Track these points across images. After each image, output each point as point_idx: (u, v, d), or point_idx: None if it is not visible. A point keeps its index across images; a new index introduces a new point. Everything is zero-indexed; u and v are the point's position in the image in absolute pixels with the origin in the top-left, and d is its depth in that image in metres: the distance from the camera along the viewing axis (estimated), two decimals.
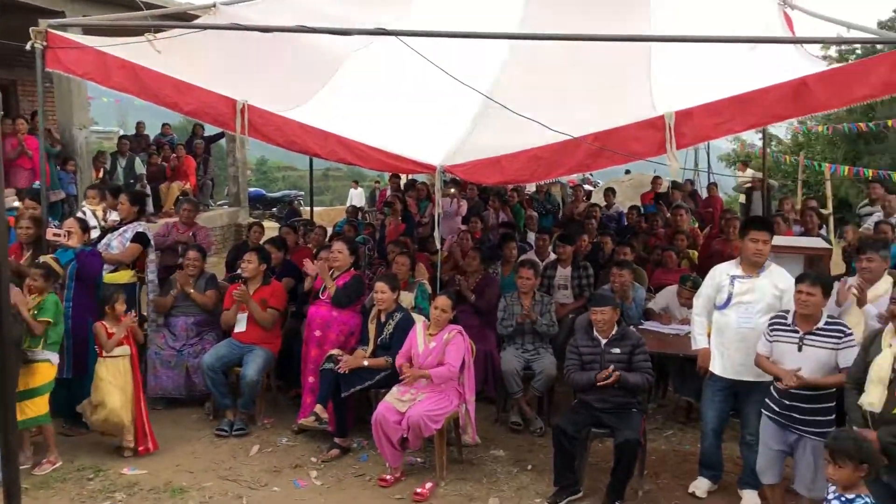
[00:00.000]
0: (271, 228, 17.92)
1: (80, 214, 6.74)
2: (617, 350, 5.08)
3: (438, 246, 5.93)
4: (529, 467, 5.53)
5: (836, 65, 5.36)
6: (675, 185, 12.14)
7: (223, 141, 15.77)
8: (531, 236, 10.08)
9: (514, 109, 5.50)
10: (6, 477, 3.07)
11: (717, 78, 5.72)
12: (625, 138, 5.24)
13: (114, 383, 5.39)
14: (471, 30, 5.51)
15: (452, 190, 11.36)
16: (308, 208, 13.15)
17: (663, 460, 5.70)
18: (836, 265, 8.74)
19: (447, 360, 5.29)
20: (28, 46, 5.87)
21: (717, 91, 5.14)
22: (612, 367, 4.94)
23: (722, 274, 5.05)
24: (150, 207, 12.80)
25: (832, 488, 3.39)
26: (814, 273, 4.53)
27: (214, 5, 7.82)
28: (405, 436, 5.17)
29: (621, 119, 5.36)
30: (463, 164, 5.63)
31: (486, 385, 6.51)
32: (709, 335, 5.11)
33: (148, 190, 12.95)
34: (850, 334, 4.32)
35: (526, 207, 11.46)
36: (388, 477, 5.24)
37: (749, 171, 14.86)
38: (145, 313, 6.88)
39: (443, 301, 5.43)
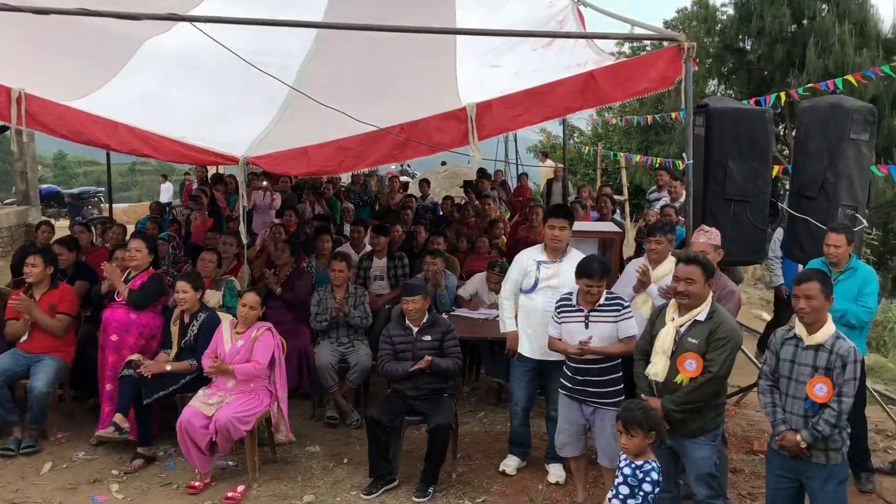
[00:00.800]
0: (65, 227, 16.74)
1: None
2: (428, 337, 5.15)
3: (245, 241, 5.71)
4: (345, 460, 5.50)
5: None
6: (482, 174, 12.52)
7: (9, 133, 14.38)
8: (348, 228, 10.03)
9: (320, 100, 5.42)
10: None
11: (517, 72, 5.96)
12: (429, 129, 5.30)
13: None
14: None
15: (265, 183, 11.06)
16: (107, 205, 12.29)
17: (476, 442, 5.87)
18: (630, 246, 9.44)
19: (255, 357, 5.13)
20: None
21: (517, 84, 5.34)
22: (425, 355, 5.01)
23: (528, 259, 5.26)
24: None
25: (623, 456, 3.63)
26: (598, 265, 4.76)
27: None
28: (214, 440, 4.96)
29: (428, 111, 5.43)
30: (267, 155, 5.44)
31: (301, 381, 6.41)
32: (516, 317, 5.32)
33: None
34: (628, 307, 4.67)
35: (342, 199, 11.38)
36: (198, 483, 5.01)
37: (549, 161, 15.64)
38: None
39: (250, 298, 5.26)
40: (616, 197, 13.81)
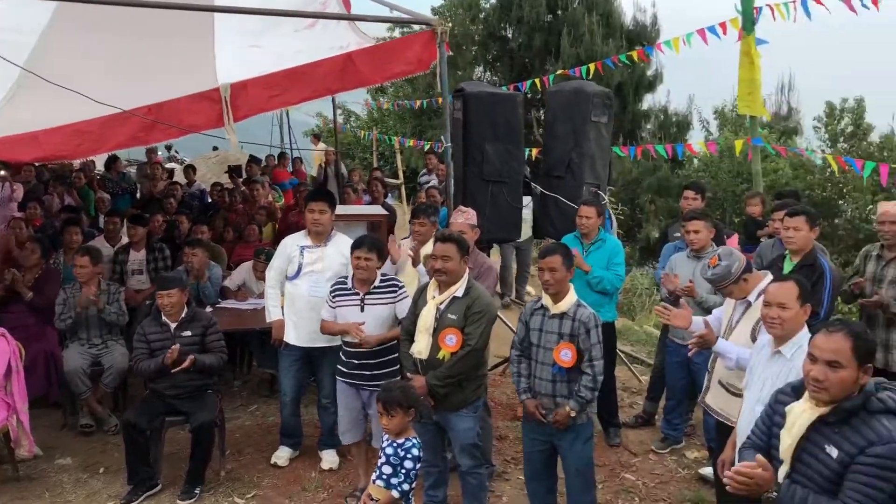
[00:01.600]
0: None
1: None
2: (188, 332, 4.88)
3: None
4: (101, 470, 5.10)
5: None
6: (253, 160, 12.15)
7: None
8: (102, 220, 9.27)
9: (56, 79, 4.91)
10: None
11: (278, 53, 5.78)
12: (180, 111, 5.01)
13: None
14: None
15: (3, 172, 9.91)
16: None
17: (247, 436, 5.69)
18: (405, 228, 9.57)
19: None
20: None
21: (278, 65, 5.19)
22: (187, 352, 4.73)
23: (292, 245, 5.14)
24: None
25: (385, 437, 3.65)
26: (369, 238, 4.81)
27: None
28: None
29: (180, 91, 5.12)
30: None
31: (50, 389, 5.82)
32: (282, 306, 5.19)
33: None
34: (403, 288, 4.69)
35: (96, 189, 10.49)
36: None
37: (321, 145, 15.48)
38: None
39: None
40: (392, 181, 14.02)
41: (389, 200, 10.09)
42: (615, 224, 6.82)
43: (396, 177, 15.24)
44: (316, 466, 5.17)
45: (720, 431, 3.95)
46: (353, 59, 5.12)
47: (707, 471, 4.96)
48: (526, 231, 7.40)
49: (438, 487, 4.41)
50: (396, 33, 20.06)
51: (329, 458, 5.19)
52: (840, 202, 15.42)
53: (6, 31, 5.54)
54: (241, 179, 11.26)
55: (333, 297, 4.65)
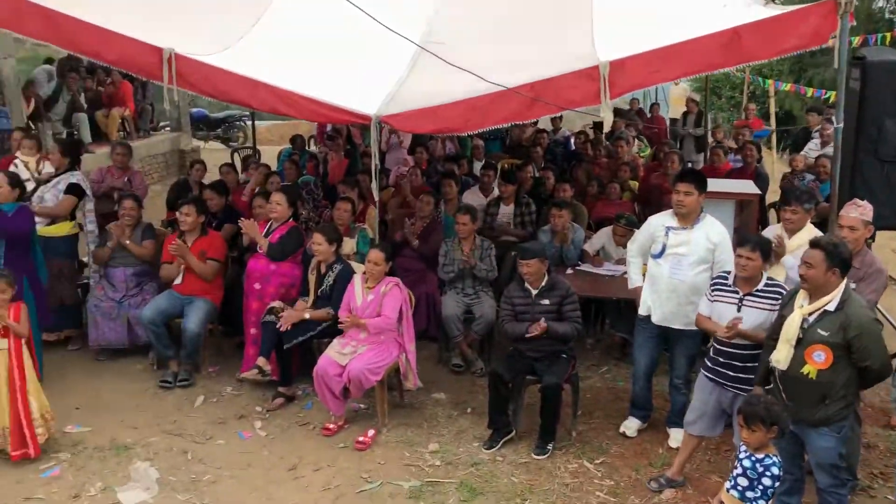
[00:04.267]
0: (215, 150, 17.71)
1: (11, 168, 6.52)
2: (546, 301, 5.19)
3: (377, 197, 5.86)
4: (469, 410, 5.72)
5: (774, 9, 5.32)
6: (617, 112, 12.13)
7: None
8: (478, 166, 10.06)
9: (448, 54, 5.42)
10: None
11: (658, 18, 5.69)
12: (560, 88, 5.21)
13: None
14: None
15: None
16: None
17: (597, 398, 5.94)
18: (774, 192, 8.92)
19: (384, 311, 5.37)
20: None
21: (656, 37, 5.13)
22: (542, 319, 5.07)
23: (657, 224, 5.15)
24: (88, 137, 12.42)
25: (743, 448, 3.59)
26: (754, 237, 4.59)
27: None
28: (347, 386, 5.29)
29: (558, 63, 5.32)
30: (398, 114, 5.52)
31: (428, 325, 6.64)
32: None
33: (85, 118, 12.49)
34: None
35: (472, 136, 11.36)
36: (332, 426, 5.39)
37: (683, 85, 14.44)
38: (86, 261, 6.85)
39: (375, 255, 5.46)
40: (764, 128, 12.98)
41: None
42: None
43: (768, 121, 14.13)
44: (663, 442, 5.25)
45: None
46: (739, 35, 4.86)
47: None
48: None
49: (793, 495, 4.23)
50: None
51: (676, 436, 5.21)
52: None
53: (403, 9, 6.14)
54: (604, 134, 11.35)
55: (712, 290, 4.56)
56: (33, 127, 11.39)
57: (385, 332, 5.41)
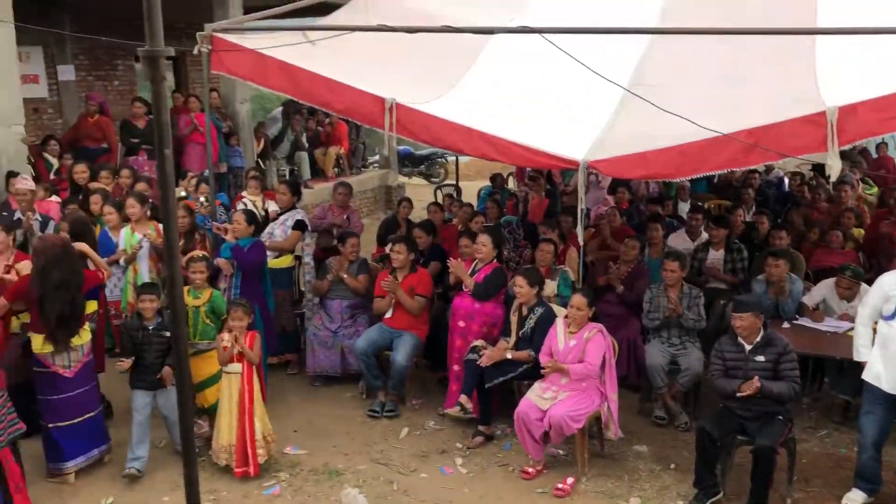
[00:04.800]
0: (418, 185, 18.54)
1: (240, 206, 7.25)
2: (761, 357, 4.91)
3: (581, 241, 5.86)
4: (672, 466, 5.52)
5: None
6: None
7: None
8: (683, 207, 9.76)
9: (658, 97, 5.34)
10: (187, 456, 3.19)
11: (887, 65, 5.28)
12: (781, 134, 4.99)
13: (223, 399, 5.39)
14: (607, 23, 5.39)
15: None
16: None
17: (815, 464, 5.51)
18: None
19: (587, 358, 5.34)
20: (195, 51, 6.31)
21: (886, 81, 4.77)
22: (755, 377, 4.80)
23: (891, 283, 4.77)
24: (307, 173, 13.49)
25: None
26: None
27: None
28: (547, 431, 5.30)
29: (779, 108, 5.09)
30: (606, 159, 5.53)
31: (628, 372, 6.50)
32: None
33: (306, 156, 13.59)
34: None
35: None
36: (531, 469, 5.41)
37: None
38: (304, 291, 7.44)
39: (578, 300, 5.44)
40: None
41: None
42: None
43: None
44: None
45: None
46: None
47: None
48: None
49: None
50: None
51: None
52: None
53: (610, 55, 6.11)
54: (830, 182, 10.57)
55: None
56: (262, 164, 12.60)
57: (587, 380, 5.37)
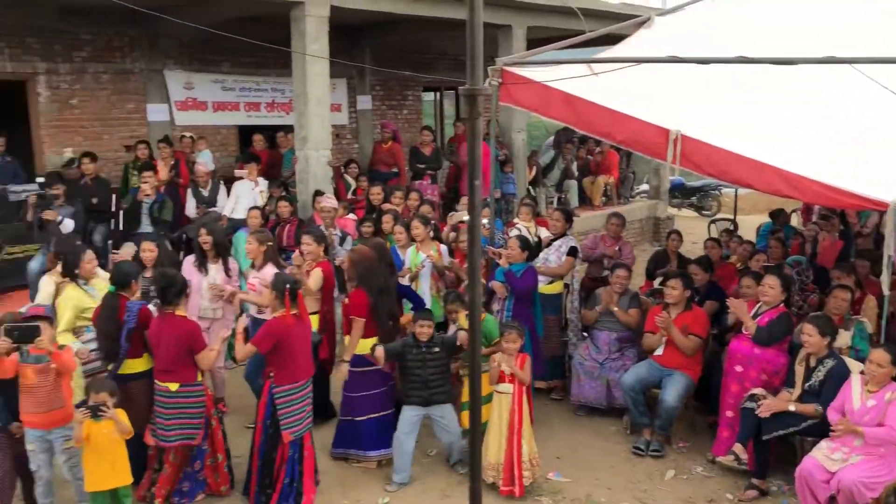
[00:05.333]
0: (688, 218, 17.87)
1: (514, 232, 7.50)
2: None
3: (886, 291, 5.28)
4: None
5: None
6: None
7: None
8: None
9: None
10: (473, 468, 3.40)
11: None
12: None
13: (493, 418, 5.52)
14: None
15: None
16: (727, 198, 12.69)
17: None
18: None
19: (888, 422, 4.79)
20: (486, 84, 6.66)
21: None
22: None
23: None
24: (575, 201, 13.62)
25: None
26: None
27: (650, 18, 8.04)
28: (834, 496, 4.83)
29: None
30: None
31: None
32: None
33: (575, 184, 13.74)
34: None
35: None
36: None
37: None
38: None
39: (880, 356, 4.91)
40: None
41: None
42: None
43: None
44: None
45: None
46: None
47: None
48: None
49: None
50: None
51: None
52: None
53: None
54: None
55: None
56: (532, 191, 12.94)
57: (886, 445, 4.82)
